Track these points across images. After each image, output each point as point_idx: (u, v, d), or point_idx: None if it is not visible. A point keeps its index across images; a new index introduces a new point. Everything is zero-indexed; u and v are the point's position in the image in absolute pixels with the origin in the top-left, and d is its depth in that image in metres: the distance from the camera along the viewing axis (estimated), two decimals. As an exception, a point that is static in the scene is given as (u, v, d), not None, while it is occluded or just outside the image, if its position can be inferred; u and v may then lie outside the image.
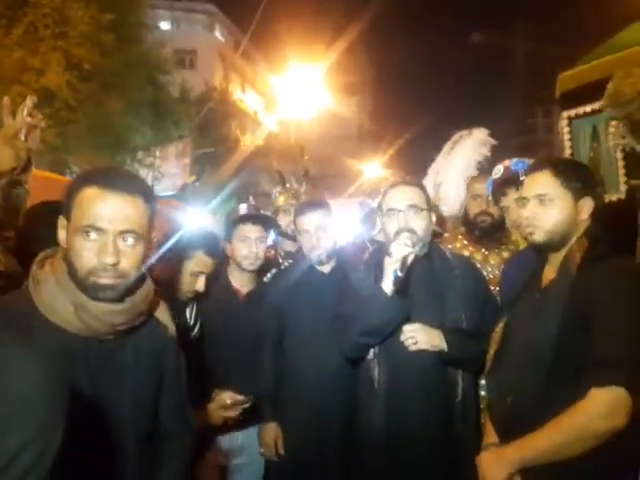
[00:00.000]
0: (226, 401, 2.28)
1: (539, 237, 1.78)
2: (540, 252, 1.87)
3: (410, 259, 2.00)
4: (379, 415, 2.11)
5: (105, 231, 1.29)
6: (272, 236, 3.47)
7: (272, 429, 2.65)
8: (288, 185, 3.68)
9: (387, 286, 2.03)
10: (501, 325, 1.91)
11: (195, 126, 16.72)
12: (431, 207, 2.24)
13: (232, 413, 2.31)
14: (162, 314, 1.57)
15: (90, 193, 1.30)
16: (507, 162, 2.59)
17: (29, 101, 1.81)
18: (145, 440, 1.49)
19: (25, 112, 1.80)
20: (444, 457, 2.10)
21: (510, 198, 2.51)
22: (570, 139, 4.09)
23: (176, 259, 2.37)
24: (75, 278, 1.30)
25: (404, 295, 2.07)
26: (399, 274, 1.98)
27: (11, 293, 1.37)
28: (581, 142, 4.01)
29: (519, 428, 1.67)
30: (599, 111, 3.77)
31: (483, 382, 2.39)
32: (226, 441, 2.68)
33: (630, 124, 2.65)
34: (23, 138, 1.79)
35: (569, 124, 4.13)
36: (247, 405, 2.32)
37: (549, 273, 1.82)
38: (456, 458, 2.09)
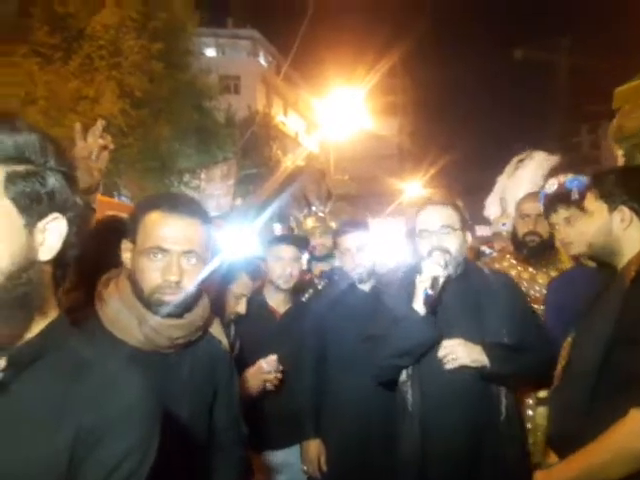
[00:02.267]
0: (262, 365, 2.38)
1: (574, 251, 1.87)
2: (601, 267, 1.83)
3: (442, 278, 1.99)
4: (413, 438, 2.04)
5: (169, 252, 1.40)
6: (306, 257, 3.60)
7: (315, 446, 2.68)
8: (314, 208, 3.81)
9: (418, 305, 2.02)
10: (568, 341, 1.83)
11: (239, 149, 17.11)
12: (466, 226, 2.22)
13: (271, 376, 2.39)
14: (216, 329, 1.67)
15: (155, 217, 1.42)
16: (562, 178, 2.52)
17: (99, 124, 1.89)
18: (199, 452, 1.54)
19: (96, 134, 1.88)
20: (489, 477, 2.01)
21: (560, 216, 2.43)
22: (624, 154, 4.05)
23: (220, 281, 2.49)
24: (140, 295, 1.41)
25: (436, 315, 2.04)
26: (430, 292, 1.97)
27: (78, 313, 1.44)
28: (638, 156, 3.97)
29: (569, 446, 1.63)
30: None
31: (531, 401, 2.42)
32: (267, 458, 2.74)
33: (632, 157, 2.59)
34: (94, 159, 1.87)
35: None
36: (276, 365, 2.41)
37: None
38: (503, 477, 2.01)
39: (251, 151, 18.42)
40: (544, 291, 2.68)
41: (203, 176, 14.93)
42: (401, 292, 2.20)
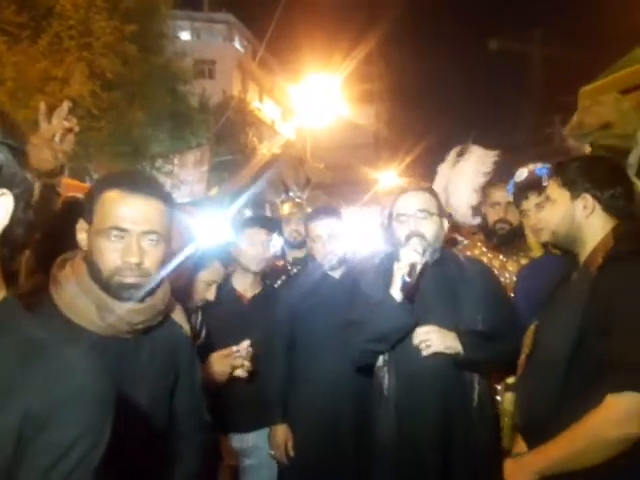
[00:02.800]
0: (233, 349, 2.32)
1: (543, 238, 1.86)
2: (566, 254, 1.84)
3: (420, 265, 2.00)
4: (389, 423, 2.07)
5: (129, 232, 1.35)
6: (280, 242, 3.57)
7: (282, 431, 2.70)
8: (291, 194, 3.79)
9: (396, 292, 2.02)
10: (531, 328, 1.85)
11: (213, 135, 16.92)
12: (442, 213, 2.23)
13: (238, 361, 2.32)
14: (178, 315, 1.63)
15: (113, 196, 1.36)
16: (531, 166, 2.62)
17: (65, 105, 1.84)
18: (159, 438, 1.50)
19: (62, 115, 1.82)
20: (462, 465, 2.04)
21: (531, 202, 2.52)
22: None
23: (191, 268, 2.45)
24: (98, 278, 1.36)
25: (412, 301, 2.05)
26: (407, 280, 1.97)
27: (32, 297, 1.41)
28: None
29: (542, 434, 1.63)
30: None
31: (499, 387, 2.45)
32: (237, 442, 2.74)
33: (608, 151, 2.62)
34: (58, 141, 1.82)
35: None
36: (250, 352, 2.34)
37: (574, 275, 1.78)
38: (475, 466, 2.05)
39: (226, 137, 18.25)
40: (514, 278, 2.73)
41: (176, 162, 14.78)
42: (378, 279, 2.20)
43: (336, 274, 2.82)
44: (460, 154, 3.80)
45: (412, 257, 1.99)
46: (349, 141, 28.08)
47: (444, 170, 3.90)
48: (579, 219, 1.71)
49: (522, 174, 2.60)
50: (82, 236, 1.41)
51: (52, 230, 1.95)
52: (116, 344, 1.41)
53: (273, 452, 2.75)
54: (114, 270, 1.35)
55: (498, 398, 2.37)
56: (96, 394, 0.83)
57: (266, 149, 21.12)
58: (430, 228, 2.13)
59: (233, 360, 2.31)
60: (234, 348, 2.33)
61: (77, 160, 10.39)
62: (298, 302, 2.77)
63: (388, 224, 3.02)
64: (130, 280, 1.36)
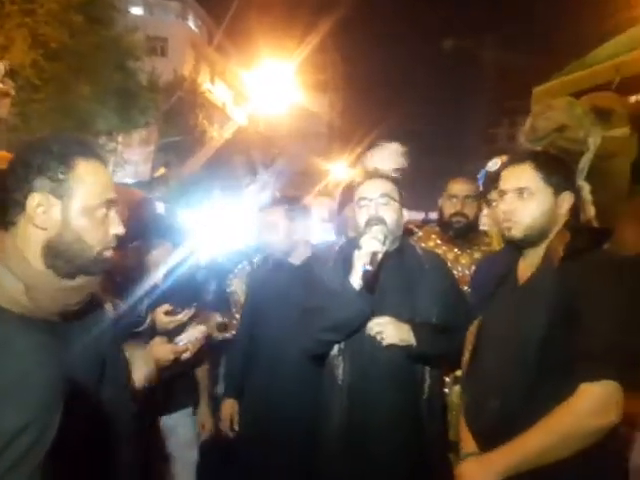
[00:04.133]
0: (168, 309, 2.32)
1: (517, 232, 1.71)
2: (516, 248, 1.80)
3: (380, 254, 1.98)
4: (341, 413, 2.07)
5: (114, 203, 1.30)
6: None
7: (230, 405, 2.82)
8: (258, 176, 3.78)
9: (355, 280, 1.99)
10: (476, 324, 1.85)
11: (161, 114, 16.45)
12: (403, 202, 2.22)
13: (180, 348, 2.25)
14: (103, 294, 1.55)
15: (90, 168, 1.27)
16: (504, 157, 2.63)
17: (1, 67, 1.72)
18: (87, 425, 1.39)
19: None
20: (409, 455, 2.05)
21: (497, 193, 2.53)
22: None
23: (142, 248, 2.36)
24: (80, 257, 1.25)
25: (372, 290, 2.04)
26: (368, 268, 1.94)
27: None
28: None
29: (509, 431, 1.57)
30: None
31: (448, 380, 2.47)
32: (161, 422, 2.68)
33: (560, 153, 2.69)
34: None
35: None
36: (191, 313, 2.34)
37: (526, 269, 1.76)
38: (422, 457, 2.06)
39: (175, 118, 17.78)
40: (467, 272, 2.77)
41: (120, 139, 14.29)
42: (337, 267, 2.18)
43: (295, 261, 2.80)
44: (373, 149, 3.77)
45: (373, 245, 1.96)
46: (303, 129, 27.97)
47: (362, 164, 3.86)
48: (556, 216, 1.70)
49: (494, 164, 2.61)
50: (49, 215, 1.24)
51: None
52: (46, 328, 1.27)
53: (200, 429, 2.85)
54: (105, 244, 1.29)
55: (446, 391, 2.38)
56: (41, 379, 0.78)
57: (216, 132, 20.76)
58: (391, 214, 2.11)
59: (175, 347, 2.24)
60: (181, 336, 2.26)
61: (16, 132, 9.87)
62: (258, 289, 2.84)
63: (339, 212, 3.03)
64: (110, 253, 1.31)
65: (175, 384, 2.59)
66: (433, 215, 5.23)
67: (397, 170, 3.52)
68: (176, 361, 2.25)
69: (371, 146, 3.70)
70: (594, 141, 2.59)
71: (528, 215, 1.69)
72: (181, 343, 2.25)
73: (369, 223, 2.05)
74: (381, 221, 2.05)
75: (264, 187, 3.25)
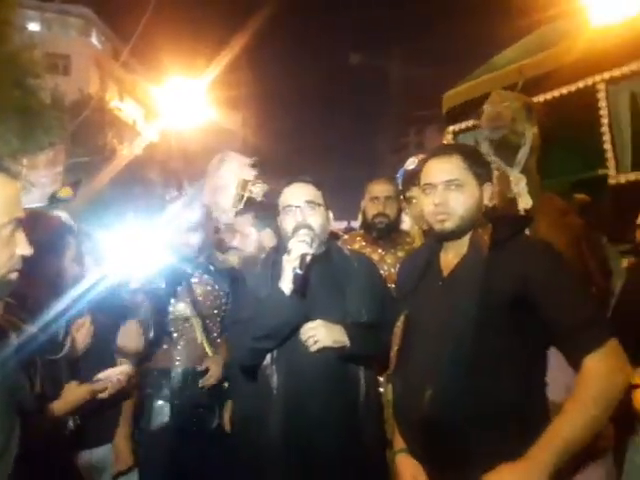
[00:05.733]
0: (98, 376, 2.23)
1: (451, 224, 1.72)
2: (437, 241, 1.84)
3: (309, 256, 1.97)
4: (277, 424, 2.00)
5: (21, 221, 1.18)
6: None
7: None
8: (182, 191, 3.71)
9: (286, 285, 1.97)
10: (402, 319, 1.85)
11: (68, 134, 15.74)
12: (328, 205, 2.23)
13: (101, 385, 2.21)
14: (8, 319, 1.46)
15: (3, 181, 1.16)
16: (421, 155, 2.71)
17: None
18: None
19: None
20: (348, 461, 2.02)
21: (419, 189, 2.59)
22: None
23: (54, 268, 2.24)
24: None
25: (303, 294, 2.02)
26: (298, 272, 1.93)
27: None
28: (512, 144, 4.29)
29: (445, 419, 1.58)
30: (479, 126, 4.16)
31: (381, 379, 2.44)
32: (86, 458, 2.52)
33: (497, 145, 2.82)
34: None
35: (454, 138, 4.46)
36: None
37: (449, 260, 1.79)
38: (362, 460, 2.04)
39: (83, 137, 17.07)
40: (392, 270, 2.84)
41: (25, 162, 13.53)
42: (266, 273, 2.16)
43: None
44: (221, 160, 3.78)
45: (302, 248, 1.96)
46: (217, 145, 27.60)
47: (210, 175, 3.85)
48: (482, 207, 1.76)
49: (412, 163, 2.70)
50: None
51: None
52: None
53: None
54: (9, 266, 1.16)
55: (381, 390, 2.40)
56: None
57: (127, 150, 20.10)
58: (317, 220, 2.12)
59: (92, 387, 2.19)
60: (99, 375, 2.24)
61: None
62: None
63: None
64: (15, 275, 1.18)
65: (104, 417, 2.47)
66: (354, 223, 5.36)
67: (247, 181, 3.56)
68: (94, 399, 2.18)
69: (223, 158, 3.75)
70: (529, 135, 2.76)
71: (460, 206, 1.71)
72: (99, 382, 2.20)
73: (296, 229, 2.05)
74: (308, 226, 2.06)
75: (191, 201, 3.13)
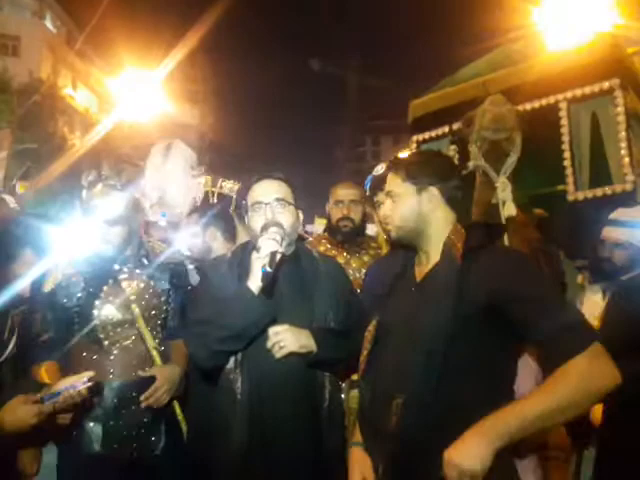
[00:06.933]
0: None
1: (394, 233, 1.83)
2: (404, 247, 1.87)
3: (279, 255, 1.89)
4: (241, 429, 1.93)
5: None
6: None
7: None
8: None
9: (254, 284, 1.90)
10: (373, 324, 1.84)
11: (16, 119, 15.08)
12: (298, 204, 2.17)
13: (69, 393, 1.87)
14: None
15: None
16: (389, 161, 2.71)
17: None
18: None
19: None
20: (311, 464, 1.99)
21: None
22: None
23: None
24: None
25: (271, 294, 1.96)
26: (268, 269, 1.84)
27: None
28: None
29: (412, 427, 1.57)
30: (443, 136, 4.23)
31: (344, 385, 2.42)
32: None
33: (487, 151, 2.83)
34: None
35: (418, 147, 4.51)
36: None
37: (422, 267, 1.80)
38: (323, 467, 2.00)
39: (32, 123, 16.39)
40: (357, 275, 2.84)
41: (-32, 146, 12.84)
42: (232, 271, 2.08)
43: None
44: (167, 149, 3.69)
45: (271, 245, 1.89)
46: (172, 139, 27.07)
47: (155, 167, 3.67)
48: (425, 212, 1.76)
49: (380, 168, 2.71)
50: None
51: None
52: None
53: None
54: None
55: (343, 396, 2.35)
56: None
57: (78, 140, 19.46)
58: (287, 218, 2.06)
59: (40, 407, 1.85)
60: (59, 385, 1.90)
61: None
62: None
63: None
64: None
65: None
66: (309, 227, 5.31)
67: (194, 168, 3.49)
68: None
69: (169, 147, 3.65)
70: (519, 143, 2.78)
71: (396, 216, 1.81)
72: (47, 402, 1.86)
73: (265, 227, 1.98)
74: (278, 224, 2.00)
75: (110, 190, 2.86)
